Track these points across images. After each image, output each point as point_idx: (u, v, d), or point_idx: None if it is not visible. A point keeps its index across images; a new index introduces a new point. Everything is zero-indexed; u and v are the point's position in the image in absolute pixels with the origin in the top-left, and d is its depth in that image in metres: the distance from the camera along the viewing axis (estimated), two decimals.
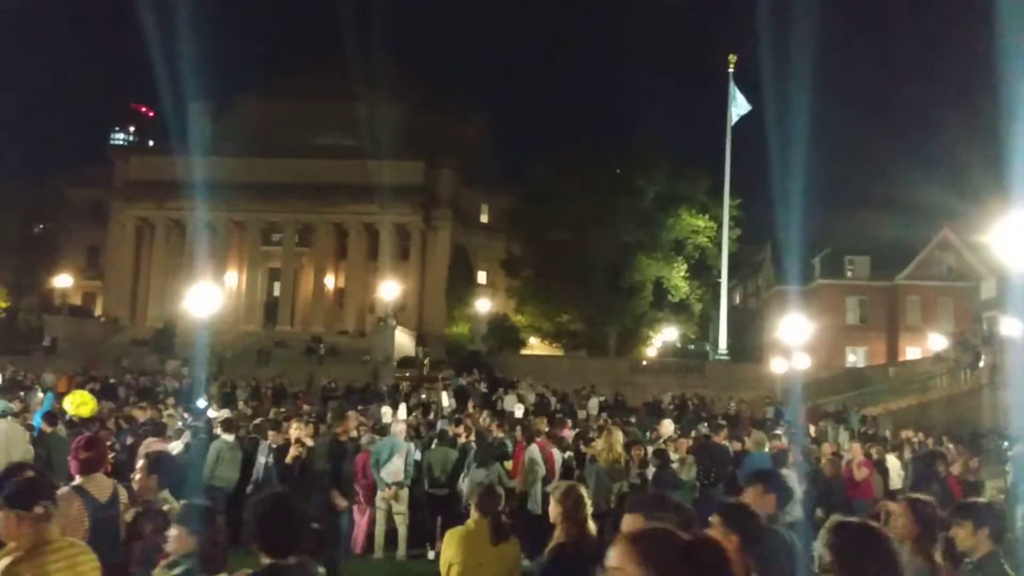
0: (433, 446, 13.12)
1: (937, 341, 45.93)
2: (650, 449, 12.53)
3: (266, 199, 59.01)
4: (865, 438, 19.15)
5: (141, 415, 16.36)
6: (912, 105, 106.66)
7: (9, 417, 10.96)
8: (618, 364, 49.58)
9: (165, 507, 5.30)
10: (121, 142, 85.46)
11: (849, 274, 57.48)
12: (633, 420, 23.92)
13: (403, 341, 51.38)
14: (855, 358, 55.80)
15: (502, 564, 5.52)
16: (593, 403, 33.62)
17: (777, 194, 35.14)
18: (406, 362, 47.34)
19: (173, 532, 4.38)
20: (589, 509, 5.26)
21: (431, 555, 11.53)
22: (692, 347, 59.89)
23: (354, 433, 12.70)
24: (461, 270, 61.21)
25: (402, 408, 17.48)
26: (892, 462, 15.24)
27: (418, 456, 12.75)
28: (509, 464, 12.90)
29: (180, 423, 14.95)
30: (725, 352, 51.08)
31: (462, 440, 13.73)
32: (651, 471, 11.42)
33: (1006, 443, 20.43)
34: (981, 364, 33.93)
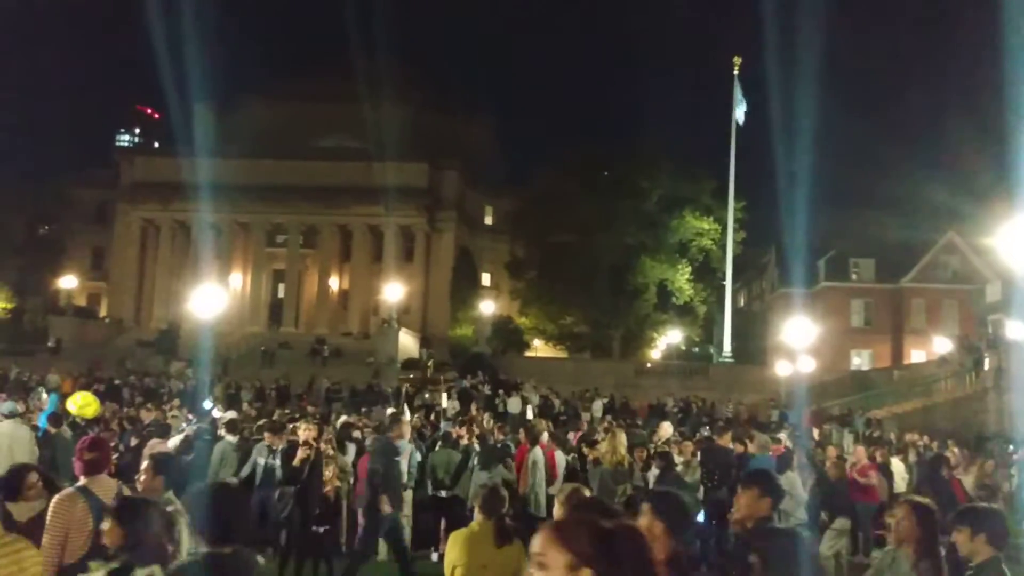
0: (436, 448, 13.13)
1: (942, 344, 45.85)
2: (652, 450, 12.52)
3: (271, 201, 59.08)
4: (869, 441, 19.13)
5: (146, 416, 16.40)
6: (917, 107, 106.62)
7: (16, 418, 10.98)
8: (622, 366, 49.56)
9: (170, 508, 5.30)
10: (126, 144, 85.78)
11: (854, 277, 57.39)
12: (640, 423, 23.90)
13: (407, 343, 51.38)
14: (860, 361, 55.70)
15: (506, 566, 5.51)
16: (597, 405, 33.61)
17: (782, 196, 35.11)
18: (410, 364, 47.32)
19: (105, 526, 4.39)
20: None
21: (435, 557, 11.51)
22: (696, 350, 59.85)
23: (407, 436, 12.65)
24: (465, 272, 61.21)
25: (411, 409, 17.49)
26: (896, 465, 15.23)
27: (420, 458, 12.75)
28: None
29: (184, 424, 14.97)
30: (729, 355, 51.04)
31: (464, 442, 13.73)
32: (654, 473, 11.41)
33: (1011, 447, 20.39)
34: (986, 367, 33.86)
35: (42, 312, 58.22)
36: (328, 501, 10.13)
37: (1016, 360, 31.08)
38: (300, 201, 59.05)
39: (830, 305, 54.72)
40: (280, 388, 34.22)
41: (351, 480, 12.44)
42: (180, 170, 52.92)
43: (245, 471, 11.82)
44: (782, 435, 16.95)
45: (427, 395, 32.75)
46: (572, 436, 17.31)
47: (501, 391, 35.86)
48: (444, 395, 31.89)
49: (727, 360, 50.60)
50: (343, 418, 16.32)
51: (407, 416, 16.56)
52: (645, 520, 4.00)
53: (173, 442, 11.56)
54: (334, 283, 63.88)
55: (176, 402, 20.07)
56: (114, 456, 9.21)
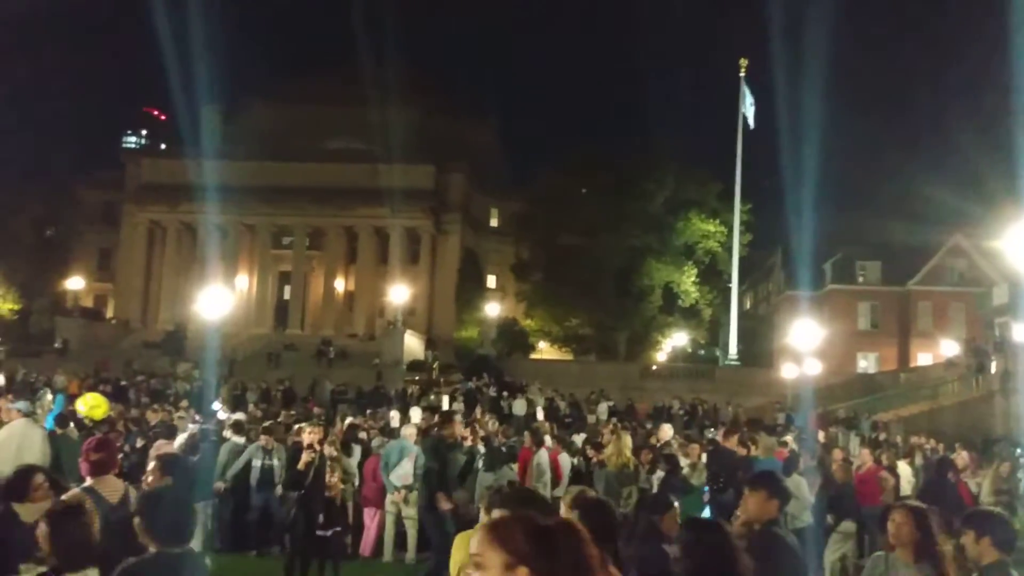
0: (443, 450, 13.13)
1: (949, 347, 45.72)
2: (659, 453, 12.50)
3: (277, 203, 59.18)
4: (876, 444, 19.07)
5: (153, 417, 16.44)
6: (924, 109, 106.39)
7: (29, 418, 11.02)
8: (627, 369, 49.52)
9: None
10: (133, 145, 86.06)
11: (860, 279, 57.28)
12: (649, 426, 23.85)
13: (412, 345, 51.42)
14: (866, 364, 55.58)
15: None
16: (602, 408, 33.58)
17: (788, 198, 35.10)
18: (415, 366, 47.38)
19: (39, 530, 4.43)
20: None
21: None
22: (702, 352, 59.78)
23: (459, 436, 12.65)
24: (471, 274, 61.24)
25: (416, 412, 17.49)
26: (903, 468, 15.18)
27: (428, 461, 12.74)
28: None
29: (191, 425, 15.00)
30: (735, 357, 50.97)
31: (468, 444, 13.73)
32: (660, 476, 11.40)
33: (1019, 450, 20.32)
34: (992, 370, 33.76)
35: (49, 313, 58.36)
36: (334, 505, 10.13)
37: (1022, 363, 30.98)
38: (306, 203, 59.11)
39: (836, 308, 54.62)
40: (286, 390, 34.27)
41: (356, 482, 12.47)
42: (187, 172, 53.03)
43: (232, 471, 11.84)
44: (788, 438, 16.90)
45: (432, 396, 32.79)
46: (578, 438, 17.30)
47: (506, 393, 35.87)
48: (446, 397, 31.98)
49: (733, 362, 50.53)
50: (349, 420, 16.34)
51: (416, 418, 16.57)
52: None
53: (178, 443, 11.58)
54: (340, 285, 63.95)
55: (184, 403, 20.13)
56: (120, 457, 9.22)
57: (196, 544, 6.42)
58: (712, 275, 55.49)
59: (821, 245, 47.32)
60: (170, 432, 13.17)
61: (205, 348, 34.12)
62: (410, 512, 11.89)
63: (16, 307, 57.98)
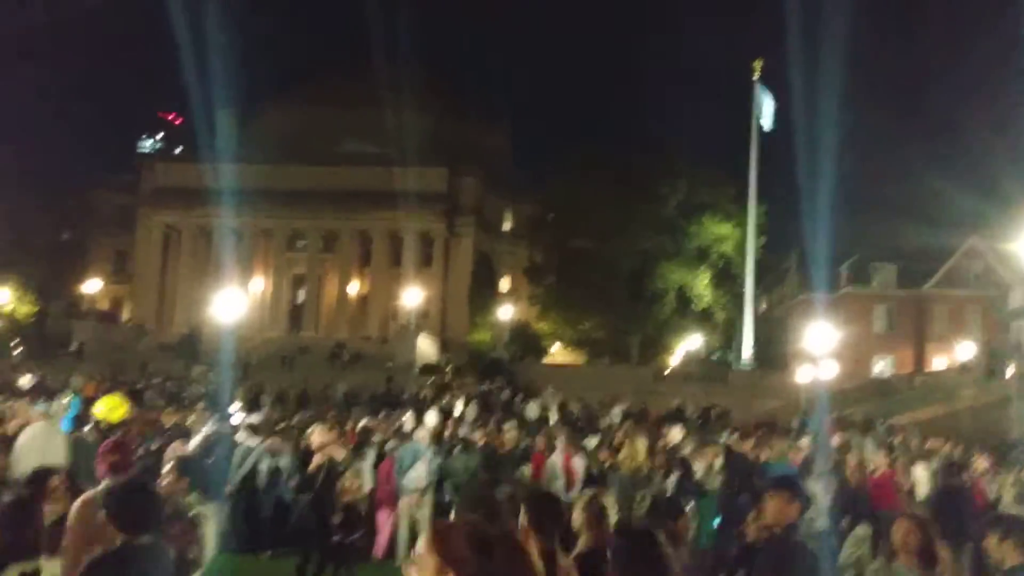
0: (454, 453, 13.16)
1: (965, 350, 45.41)
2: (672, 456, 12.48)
3: (291, 206, 59.46)
4: (891, 448, 18.96)
5: (168, 419, 16.50)
6: (939, 111, 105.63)
7: (51, 419, 11.12)
8: (641, 372, 49.38)
9: (194, 510, 5.36)
10: (148, 149, 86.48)
11: (876, 283, 56.97)
12: (665, 429, 23.74)
13: (426, 348, 51.50)
14: (881, 367, 55.25)
15: None
16: (615, 411, 33.46)
17: (803, 201, 34.88)
18: (428, 369, 47.43)
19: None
20: (613, 518, 5.25)
21: None
22: (716, 356, 59.58)
23: (509, 445, 12.70)
24: (484, 277, 61.31)
25: (431, 414, 17.56)
26: (919, 473, 15.08)
27: (440, 462, 12.77)
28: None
29: (205, 428, 15.06)
30: (750, 361, 50.77)
31: (481, 447, 13.74)
32: (673, 479, 11.38)
33: None
34: (1008, 374, 33.51)
35: (65, 316, 58.78)
36: (354, 509, 10.12)
37: None
38: (320, 206, 59.37)
39: (852, 311, 54.32)
40: (301, 392, 34.37)
41: (369, 485, 12.49)
42: (202, 176, 53.35)
43: (241, 473, 11.88)
44: (804, 441, 16.82)
45: (446, 400, 32.78)
46: (591, 441, 17.27)
47: (519, 396, 35.85)
48: (460, 401, 31.97)
49: (747, 366, 50.32)
50: (362, 422, 16.36)
51: (431, 421, 16.61)
52: (523, 519, 4.39)
53: (193, 445, 11.64)
54: (353, 288, 64.16)
55: (200, 405, 20.20)
56: (135, 459, 9.27)
57: (211, 545, 6.46)
58: (726, 278, 55.30)
59: (837, 248, 47.05)
60: (185, 434, 13.23)
61: (220, 351, 34.25)
62: (423, 514, 11.91)
63: (33, 310, 58.41)
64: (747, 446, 13.38)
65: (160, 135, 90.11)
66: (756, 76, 49.12)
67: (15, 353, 50.02)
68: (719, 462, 12.60)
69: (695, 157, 54.98)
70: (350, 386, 37.41)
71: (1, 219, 54.56)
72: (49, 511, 5.84)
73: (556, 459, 12.23)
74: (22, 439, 11.00)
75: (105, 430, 12.67)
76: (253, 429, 13.16)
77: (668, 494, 10.70)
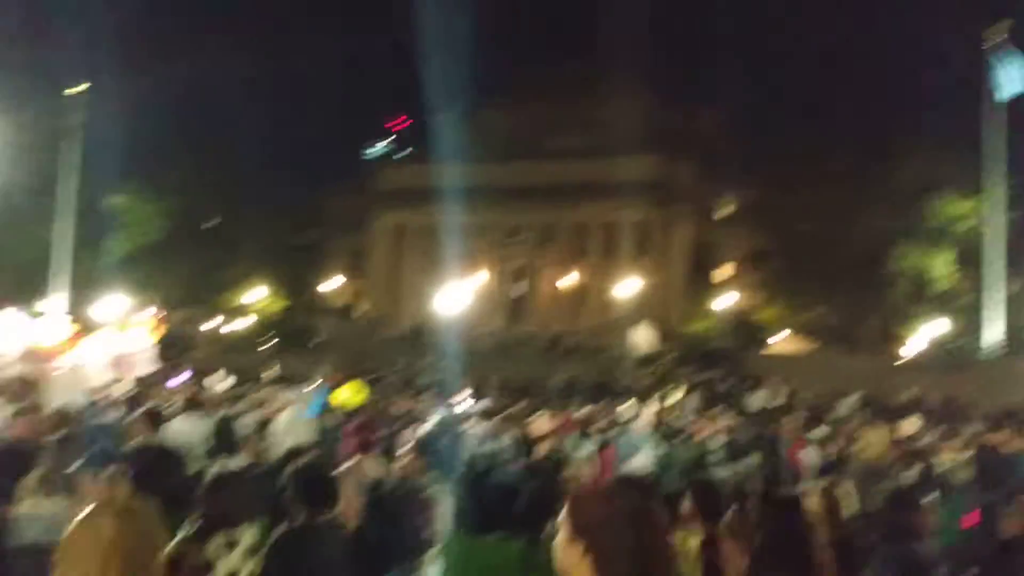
0: (675, 443, 13.02)
1: None
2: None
3: (509, 202, 61.13)
4: None
5: (401, 406, 17.53)
6: None
7: (297, 406, 12.21)
8: (874, 361, 46.39)
9: (430, 490, 5.67)
10: (378, 154, 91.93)
11: None
12: (902, 420, 22.31)
13: (643, 338, 51.20)
14: None
15: None
16: (849, 401, 31.77)
17: None
18: (646, 359, 47.15)
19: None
20: (849, 509, 5.02)
21: None
22: (958, 342, 54.92)
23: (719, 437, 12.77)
24: (702, 265, 60.12)
25: (650, 404, 17.52)
26: None
27: (660, 452, 12.69)
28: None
29: (435, 413, 15.83)
30: (998, 347, 46.36)
31: (702, 437, 13.51)
32: (913, 473, 10.65)
33: None
34: None
35: (309, 312, 63.87)
36: None
37: None
38: (534, 201, 60.62)
39: None
40: (521, 382, 35.30)
41: (589, 474, 12.61)
42: (426, 177, 56.05)
43: (469, 458, 12.32)
44: None
45: (665, 390, 32.50)
46: (820, 432, 16.51)
47: (742, 387, 34.90)
48: (680, 390, 31.58)
49: (995, 353, 46.00)
50: (582, 411, 16.58)
51: (649, 411, 16.56)
52: (687, 505, 4.56)
53: (426, 429, 12.27)
54: (570, 280, 64.94)
55: (430, 393, 21.29)
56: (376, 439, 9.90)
57: (446, 524, 6.79)
58: (968, 259, 50.80)
59: None
60: (416, 420, 13.98)
61: (445, 342, 35.85)
62: None
63: (281, 307, 63.92)
64: (998, 439, 12.27)
65: (389, 139, 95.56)
66: (994, 41, 44.62)
67: (267, 346, 55.04)
68: (965, 455, 11.66)
69: (932, 129, 50.86)
70: (567, 376, 37.95)
71: (256, 226, 60.04)
72: None
73: (782, 450, 11.82)
74: (276, 423, 12.11)
75: (346, 415, 13.66)
76: (479, 416, 13.69)
77: (907, 486, 10.04)
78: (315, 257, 70.54)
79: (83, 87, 25.95)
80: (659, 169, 60.38)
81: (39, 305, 27.93)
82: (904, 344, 53.23)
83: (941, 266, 49.69)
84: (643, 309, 57.02)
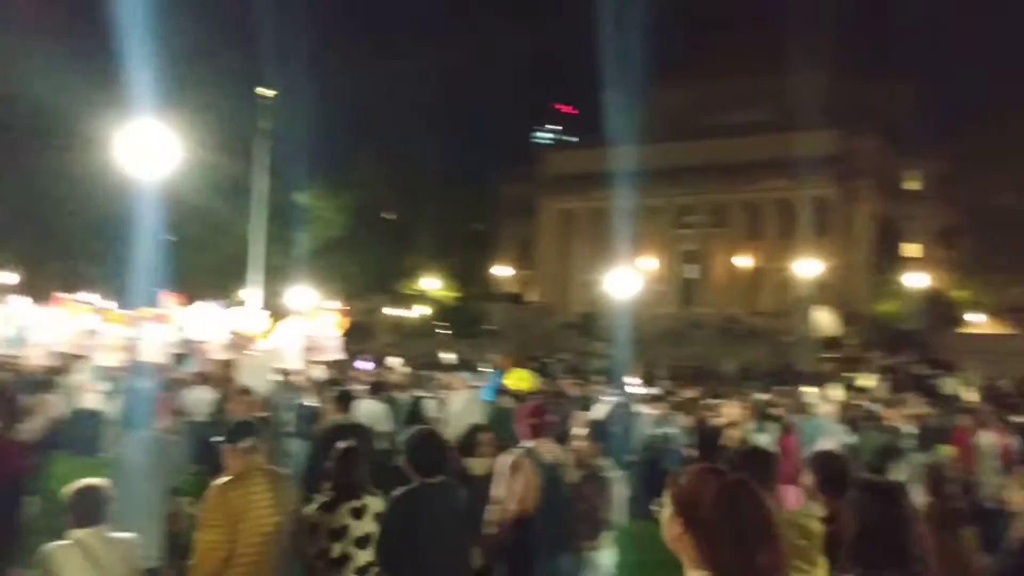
0: (864, 430, 12.43)
1: None
2: None
3: (678, 183, 60.04)
4: None
5: (571, 391, 17.64)
6: None
7: (473, 389, 12.58)
8: None
9: (605, 473, 5.67)
10: (545, 140, 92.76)
11: None
12: None
13: (823, 320, 49.12)
14: None
15: (957, 552, 5.05)
16: None
17: None
18: (829, 343, 45.21)
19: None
20: None
21: None
22: None
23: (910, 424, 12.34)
24: (887, 243, 56.80)
25: (835, 389, 16.79)
26: None
27: (848, 439, 12.14)
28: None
29: (605, 398, 15.83)
30: None
31: (891, 423, 12.79)
32: None
33: None
34: None
35: (481, 299, 65.44)
36: None
37: None
38: (706, 180, 59.22)
39: None
40: (694, 367, 34.72)
41: None
42: (592, 161, 55.98)
43: (642, 443, 12.20)
44: None
45: (849, 374, 31.04)
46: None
47: (934, 371, 32.81)
48: (867, 375, 30.05)
49: None
50: (761, 396, 16.08)
51: (834, 396, 15.91)
52: (809, 479, 4.57)
53: (597, 413, 12.29)
54: (744, 261, 63.11)
55: (599, 378, 21.32)
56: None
57: (620, 507, 6.77)
58: None
59: None
60: (586, 404, 14.02)
61: (616, 327, 35.70)
62: None
63: (455, 295, 65.83)
64: None
65: (555, 125, 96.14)
66: None
67: (441, 333, 56.90)
68: None
69: None
70: (744, 361, 37.01)
71: (431, 217, 62.10)
72: (477, 463, 6.65)
73: (986, 438, 11.00)
74: (452, 405, 12.50)
75: (519, 398, 13.90)
76: (650, 401, 13.57)
77: None
78: (486, 245, 72.05)
79: (272, 92, 27.57)
80: (840, 143, 57.48)
81: (238, 297, 30.08)
82: None
83: None
84: (824, 290, 54.62)
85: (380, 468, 5.95)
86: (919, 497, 5.41)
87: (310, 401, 12.49)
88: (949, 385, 29.05)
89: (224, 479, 4.94)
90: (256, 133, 27.55)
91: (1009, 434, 11.59)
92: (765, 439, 12.45)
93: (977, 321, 53.13)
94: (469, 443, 7.00)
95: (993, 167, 46.51)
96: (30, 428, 9.25)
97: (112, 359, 16.16)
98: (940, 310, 51.25)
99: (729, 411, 10.11)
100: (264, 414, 8.37)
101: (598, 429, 6.39)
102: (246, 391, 9.71)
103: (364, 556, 5.15)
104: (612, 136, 52.52)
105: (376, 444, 12.10)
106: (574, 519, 5.89)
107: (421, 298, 64.84)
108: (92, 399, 14.30)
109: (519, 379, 15.06)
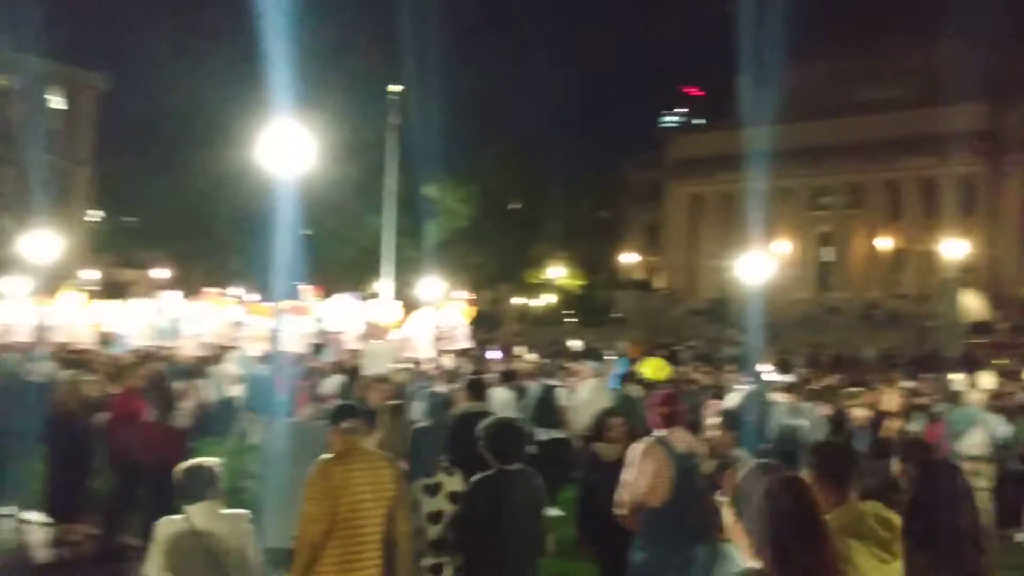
0: (1018, 420, 11.71)
1: None
2: None
3: (812, 163, 58.01)
4: None
5: (702, 379, 17.34)
6: None
7: (600, 377, 12.58)
8: None
9: (737, 464, 5.55)
10: (673, 124, 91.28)
11: None
12: None
13: (972, 304, 46.34)
14: None
15: None
16: None
17: None
18: (976, 327, 42.67)
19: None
20: None
21: (1020, 537, 10.46)
22: None
23: None
24: None
25: (986, 376, 15.88)
26: None
27: (1003, 430, 11.48)
28: None
29: (738, 386, 15.47)
30: None
31: None
32: None
33: None
34: None
35: (607, 287, 65.11)
36: None
37: None
38: (844, 160, 57.02)
39: None
40: (833, 354, 33.52)
41: None
42: (722, 143, 54.74)
43: (776, 433, 11.80)
44: None
45: (999, 361, 29.27)
46: None
47: None
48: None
49: None
50: (906, 384, 15.38)
51: (987, 383, 15.08)
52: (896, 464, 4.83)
53: (731, 402, 12.03)
54: (884, 243, 60.38)
55: (731, 366, 20.88)
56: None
57: None
58: None
59: None
60: (719, 393, 13.74)
61: (747, 313, 34.85)
62: (983, 484, 10.78)
63: (581, 283, 65.75)
64: None
65: (682, 109, 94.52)
66: None
67: (568, 321, 56.97)
68: None
69: None
70: (885, 347, 35.46)
71: (556, 205, 62.23)
72: (607, 448, 6.68)
73: None
74: (580, 393, 12.53)
75: (649, 387, 13.77)
76: (786, 390, 13.16)
77: None
78: (613, 232, 71.59)
79: (399, 88, 28.28)
80: (988, 117, 54.09)
81: (372, 289, 31.05)
82: None
83: None
84: (971, 272, 51.66)
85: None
86: None
87: (441, 389, 12.77)
88: None
89: (327, 456, 5.29)
90: (386, 129, 28.32)
91: None
92: (914, 428, 11.93)
93: None
94: (599, 428, 7.01)
95: None
96: (183, 415, 9.87)
97: (257, 349, 16.99)
98: None
99: (887, 400, 9.63)
100: (397, 401, 8.62)
101: (732, 418, 6.25)
102: (383, 379, 10.04)
103: (435, 530, 5.59)
104: (743, 116, 51.18)
105: None
106: (709, 510, 5.80)
107: (547, 287, 65.09)
108: (239, 388, 15.07)
109: (655, 368, 14.92)
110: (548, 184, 61.29)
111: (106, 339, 20.01)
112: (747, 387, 14.27)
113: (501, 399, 12.42)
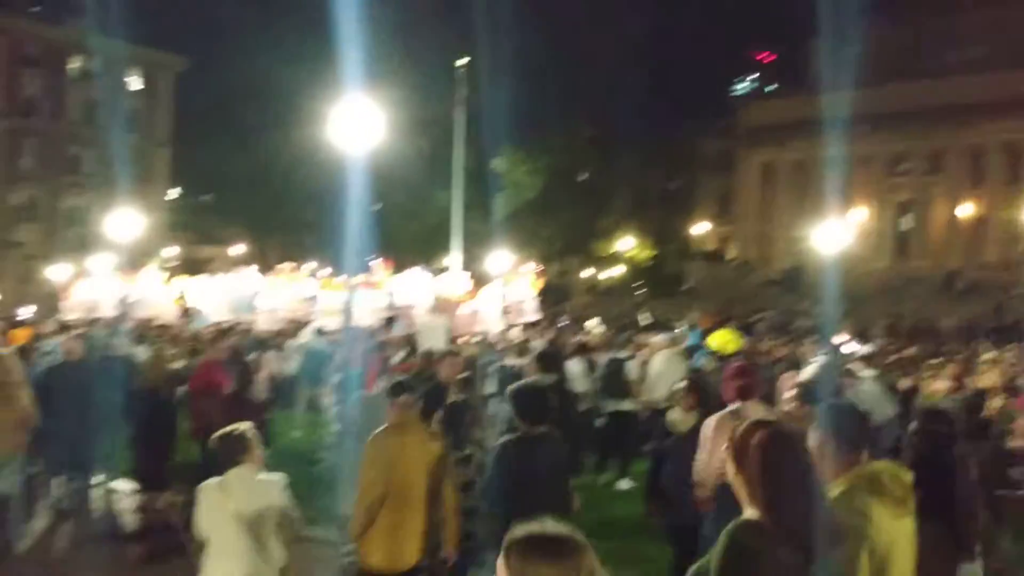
0: None
1: None
2: None
3: (890, 128, 56.09)
4: None
5: (778, 351, 17.02)
6: None
7: (672, 349, 12.48)
8: None
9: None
10: (742, 91, 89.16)
11: None
12: None
13: None
14: None
15: None
16: None
17: None
18: None
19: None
20: None
21: None
22: None
23: None
24: None
25: None
26: None
27: None
28: None
29: (814, 358, 15.15)
30: None
31: None
32: None
33: None
34: None
35: (678, 258, 64.30)
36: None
37: None
38: (923, 125, 54.97)
39: None
40: (913, 325, 32.60)
41: None
42: (794, 110, 53.35)
43: (883, 410, 11.52)
44: None
45: None
46: None
47: None
48: None
49: None
50: (988, 355, 14.85)
51: None
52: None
53: (808, 375, 11.81)
54: (965, 210, 58.25)
55: (806, 337, 20.46)
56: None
57: None
58: None
59: None
60: (795, 366, 13.49)
61: (823, 283, 34.08)
62: None
63: (651, 254, 65.09)
64: None
65: (754, 75, 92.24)
66: None
67: (638, 293, 56.51)
68: None
69: None
70: (966, 317, 34.33)
71: (625, 175, 61.66)
72: (682, 419, 6.66)
73: None
74: (653, 364, 12.45)
75: (722, 359, 13.59)
76: (864, 361, 12.87)
77: None
78: (683, 202, 70.58)
79: (466, 61, 28.20)
80: None
81: (442, 263, 31.28)
82: None
83: None
84: None
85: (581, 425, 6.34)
86: None
87: (512, 361, 12.82)
88: None
89: (380, 429, 5.68)
90: (454, 103, 28.33)
91: None
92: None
93: None
94: (673, 399, 6.96)
95: None
96: (260, 387, 10.11)
97: (331, 323, 17.31)
98: None
99: (989, 376, 9.21)
100: (466, 374, 8.70)
101: (807, 391, 6.13)
102: (454, 353, 10.11)
103: (466, 500, 5.96)
104: (818, 82, 49.76)
105: (579, 404, 12.31)
106: None
107: (616, 258, 64.62)
108: (312, 360, 15.38)
109: (725, 340, 14.71)
110: (617, 154, 60.63)
111: (187, 314, 20.64)
112: (823, 358, 13.99)
113: (572, 371, 12.42)
